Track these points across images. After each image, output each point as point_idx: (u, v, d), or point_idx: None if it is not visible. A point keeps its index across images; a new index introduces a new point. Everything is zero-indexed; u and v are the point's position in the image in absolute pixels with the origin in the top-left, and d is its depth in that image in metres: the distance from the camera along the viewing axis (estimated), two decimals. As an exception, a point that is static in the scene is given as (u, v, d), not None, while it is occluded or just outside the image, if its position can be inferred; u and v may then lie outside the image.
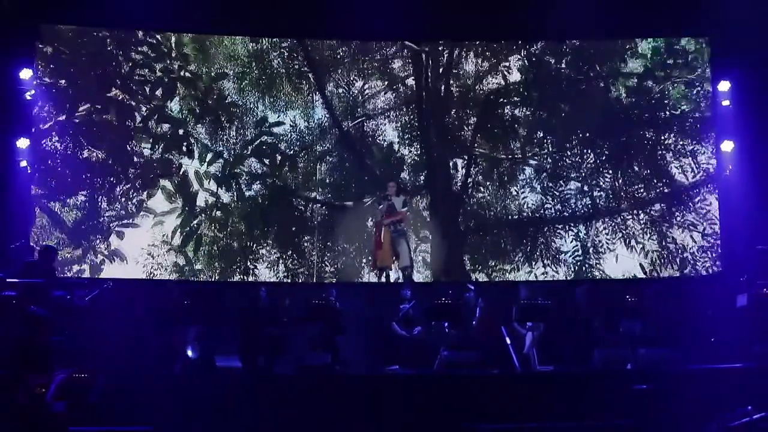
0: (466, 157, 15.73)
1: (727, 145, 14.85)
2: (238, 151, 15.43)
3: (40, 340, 10.41)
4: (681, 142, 15.51)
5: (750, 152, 14.67)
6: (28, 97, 13.94)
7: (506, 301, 13.77)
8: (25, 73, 13.85)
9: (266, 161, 15.50)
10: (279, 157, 15.53)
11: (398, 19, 14.54)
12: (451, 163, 15.74)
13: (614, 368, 11.95)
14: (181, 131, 15.23)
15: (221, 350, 12.67)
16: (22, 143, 13.89)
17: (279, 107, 15.61)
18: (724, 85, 14.81)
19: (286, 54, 15.71)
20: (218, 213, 15.31)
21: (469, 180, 15.67)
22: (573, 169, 15.51)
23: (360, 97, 15.79)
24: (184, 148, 15.22)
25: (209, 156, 15.29)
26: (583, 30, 15.27)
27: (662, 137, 15.57)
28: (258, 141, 15.49)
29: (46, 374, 9.54)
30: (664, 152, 15.52)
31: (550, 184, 15.56)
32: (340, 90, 15.75)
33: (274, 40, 15.69)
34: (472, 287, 14.17)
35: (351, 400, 11.12)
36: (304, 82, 15.68)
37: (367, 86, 15.80)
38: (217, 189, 15.34)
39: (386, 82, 15.81)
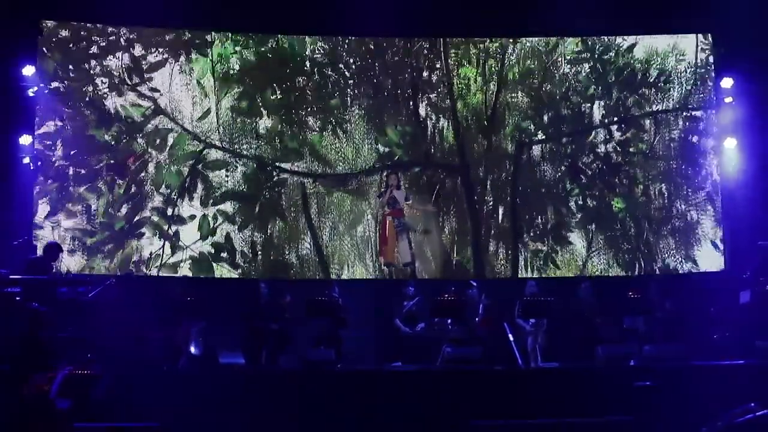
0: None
1: (730, 142, 14.85)
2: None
3: (42, 337, 10.40)
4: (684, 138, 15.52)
5: (753, 149, 14.69)
6: (31, 94, 13.93)
7: (509, 298, 13.81)
8: (28, 70, 13.84)
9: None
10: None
11: (396, 16, 14.55)
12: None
13: (617, 365, 11.96)
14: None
15: (224, 346, 12.69)
16: (25, 140, 13.88)
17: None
18: (727, 82, 14.79)
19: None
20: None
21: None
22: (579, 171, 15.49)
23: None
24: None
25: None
26: (585, 26, 15.25)
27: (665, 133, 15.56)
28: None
29: (50, 371, 9.53)
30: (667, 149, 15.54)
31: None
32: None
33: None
34: (475, 283, 14.18)
35: (354, 395, 11.15)
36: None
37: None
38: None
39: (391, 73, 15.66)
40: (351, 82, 15.46)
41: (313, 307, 12.98)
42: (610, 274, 15.18)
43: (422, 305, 13.68)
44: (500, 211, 15.35)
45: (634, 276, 15.10)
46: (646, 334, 12.80)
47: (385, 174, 15.10)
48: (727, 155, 14.96)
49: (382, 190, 14.97)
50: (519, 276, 15.15)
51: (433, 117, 15.51)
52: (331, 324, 12.95)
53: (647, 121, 15.54)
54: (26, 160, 13.92)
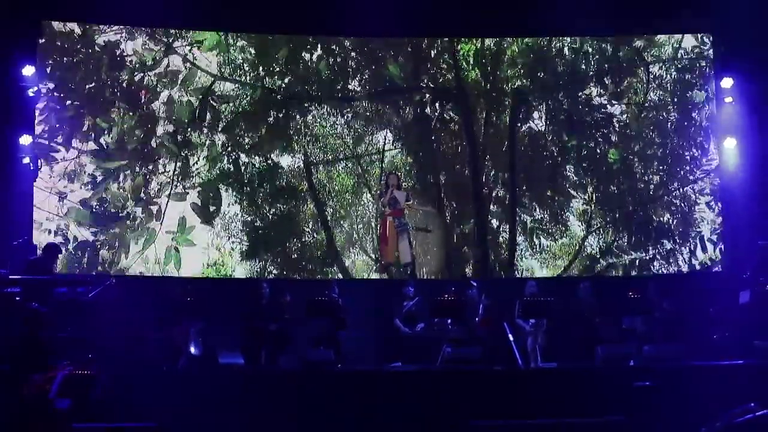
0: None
1: (730, 142, 14.84)
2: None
3: (42, 337, 10.41)
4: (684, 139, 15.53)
5: (753, 149, 14.69)
6: (31, 94, 13.94)
7: (509, 298, 13.81)
8: (28, 70, 13.85)
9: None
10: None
11: (396, 16, 14.55)
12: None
13: (617, 365, 11.97)
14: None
15: (224, 347, 12.70)
16: (25, 140, 13.88)
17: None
18: (727, 82, 14.79)
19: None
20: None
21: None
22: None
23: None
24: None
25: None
26: (585, 26, 15.26)
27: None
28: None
29: (50, 371, 9.53)
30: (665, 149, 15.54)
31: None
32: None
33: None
34: (475, 283, 14.17)
35: (354, 396, 11.15)
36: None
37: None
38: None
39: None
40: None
41: (313, 307, 12.97)
42: (609, 255, 15.29)
43: (422, 305, 13.67)
44: (500, 175, 15.50)
45: (634, 276, 15.10)
46: (646, 334, 12.79)
47: (385, 174, 15.10)
48: (726, 155, 14.95)
49: (383, 190, 14.96)
50: (518, 266, 15.23)
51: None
52: (331, 324, 12.96)
53: (641, 72, 15.63)
54: (26, 160, 13.92)
